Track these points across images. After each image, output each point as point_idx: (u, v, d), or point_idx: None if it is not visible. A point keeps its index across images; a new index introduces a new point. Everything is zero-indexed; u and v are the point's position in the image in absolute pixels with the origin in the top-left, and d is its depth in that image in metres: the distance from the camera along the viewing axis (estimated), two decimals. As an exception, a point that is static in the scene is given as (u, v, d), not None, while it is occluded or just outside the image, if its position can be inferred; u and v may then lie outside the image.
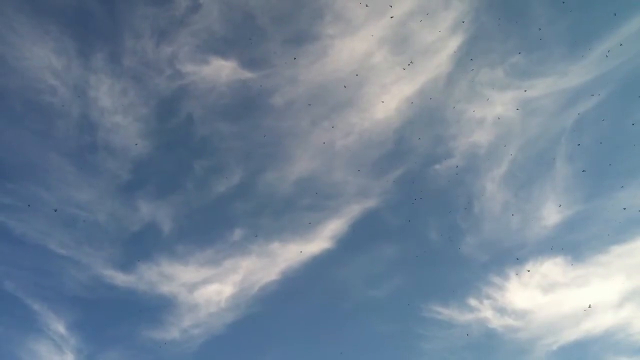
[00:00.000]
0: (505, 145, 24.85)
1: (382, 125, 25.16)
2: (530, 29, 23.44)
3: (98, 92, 24.28)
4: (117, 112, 24.73)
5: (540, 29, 23.17)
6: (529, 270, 25.22)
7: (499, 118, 24.41)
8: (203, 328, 26.34)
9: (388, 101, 24.71)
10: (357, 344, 26.42)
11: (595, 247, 24.86)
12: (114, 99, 24.53)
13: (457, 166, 24.82)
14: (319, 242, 26.35)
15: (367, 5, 22.73)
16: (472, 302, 25.84)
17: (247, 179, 26.15)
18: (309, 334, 27.15)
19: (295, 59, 24.03)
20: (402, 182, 25.68)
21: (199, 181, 26.06)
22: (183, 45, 24.16)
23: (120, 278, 26.02)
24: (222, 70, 24.69)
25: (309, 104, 24.60)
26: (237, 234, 26.18)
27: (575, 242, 25.31)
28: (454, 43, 23.67)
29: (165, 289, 26.21)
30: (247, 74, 24.74)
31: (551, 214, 25.05)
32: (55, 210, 24.03)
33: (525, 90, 23.63)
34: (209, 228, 26.61)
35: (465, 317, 25.88)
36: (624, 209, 23.50)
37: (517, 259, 25.40)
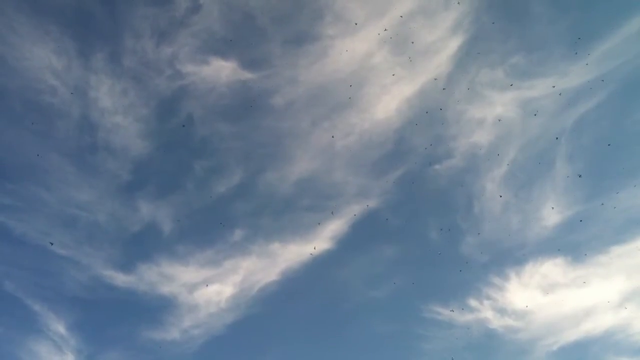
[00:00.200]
0: (505, 146, 24.93)
1: (382, 125, 25.20)
2: (530, 29, 23.49)
3: (98, 93, 24.32)
4: (118, 112, 24.77)
5: (540, 29, 23.26)
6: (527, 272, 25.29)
7: (499, 119, 24.46)
8: (203, 328, 26.38)
9: (388, 101, 24.76)
10: (357, 344, 26.46)
11: (595, 247, 24.90)
12: (114, 99, 24.57)
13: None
14: (319, 242, 26.40)
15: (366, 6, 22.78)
16: (472, 302, 25.88)
17: (247, 179, 26.18)
18: (309, 334, 27.19)
19: (295, 59, 24.11)
20: (402, 183, 25.70)
21: (199, 181, 26.10)
22: (183, 45, 24.21)
23: (120, 278, 26.05)
24: (222, 70, 24.73)
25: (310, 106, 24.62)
26: (237, 234, 26.23)
27: (575, 243, 25.35)
28: (454, 43, 23.70)
29: (166, 289, 26.25)
30: (247, 75, 24.78)
31: (551, 214, 25.07)
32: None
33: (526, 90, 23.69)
34: (209, 228, 26.64)
35: (465, 317, 25.92)
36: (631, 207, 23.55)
37: (517, 259, 25.48)
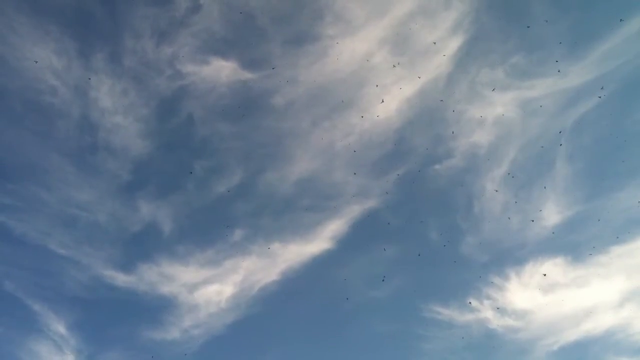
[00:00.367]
0: (505, 146, 24.93)
1: (382, 125, 25.20)
2: (530, 29, 23.49)
3: (98, 93, 24.34)
4: (118, 112, 24.78)
5: (540, 29, 23.25)
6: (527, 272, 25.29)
7: (499, 118, 24.47)
8: (203, 328, 26.38)
9: (388, 101, 24.76)
10: (357, 344, 26.46)
11: (595, 247, 24.89)
12: (114, 100, 24.58)
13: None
14: (319, 242, 26.41)
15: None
16: (473, 302, 25.88)
17: (248, 179, 26.19)
18: (309, 334, 27.19)
19: (295, 59, 24.11)
20: (402, 183, 25.71)
21: (199, 181, 26.11)
22: (183, 45, 24.22)
23: (120, 278, 26.06)
24: (222, 70, 24.74)
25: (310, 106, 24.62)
26: (238, 234, 26.24)
27: (575, 242, 25.36)
28: (454, 43, 23.71)
29: (166, 289, 26.26)
30: (248, 75, 24.79)
31: (551, 214, 25.08)
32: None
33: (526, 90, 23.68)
34: (209, 228, 26.65)
35: (465, 317, 25.92)
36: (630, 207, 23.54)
37: (517, 259, 25.49)
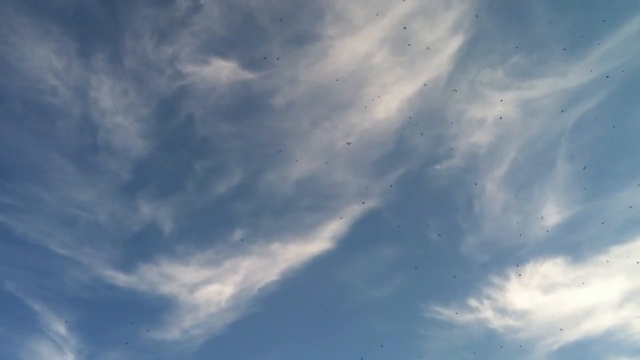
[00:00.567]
0: (505, 146, 24.95)
1: (383, 125, 25.22)
2: (530, 29, 23.51)
3: (99, 93, 24.35)
4: (118, 112, 24.79)
5: (540, 29, 23.27)
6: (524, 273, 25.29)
7: (499, 118, 24.47)
8: (203, 328, 26.39)
9: (388, 101, 24.77)
10: (357, 344, 26.45)
11: (595, 247, 24.90)
12: (114, 100, 24.59)
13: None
14: (319, 242, 26.42)
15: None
16: (473, 302, 25.89)
17: (248, 179, 26.21)
18: (310, 334, 27.20)
19: (295, 59, 24.12)
20: (402, 183, 25.73)
21: (199, 181, 26.12)
22: (184, 45, 24.23)
23: (120, 278, 26.06)
24: (222, 70, 24.75)
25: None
26: (238, 234, 26.24)
27: (575, 242, 25.38)
28: (454, 43, 23.72)
29: (166, 289, 26.26)
30: (248, 75, 24.80)
31: (551, 214, 25.09)
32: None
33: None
34: (210, 228, 26.66)
35: (465, 317, 25.93)
36: (630, 207, 23.56)
37: (517, 259, 25.49)
